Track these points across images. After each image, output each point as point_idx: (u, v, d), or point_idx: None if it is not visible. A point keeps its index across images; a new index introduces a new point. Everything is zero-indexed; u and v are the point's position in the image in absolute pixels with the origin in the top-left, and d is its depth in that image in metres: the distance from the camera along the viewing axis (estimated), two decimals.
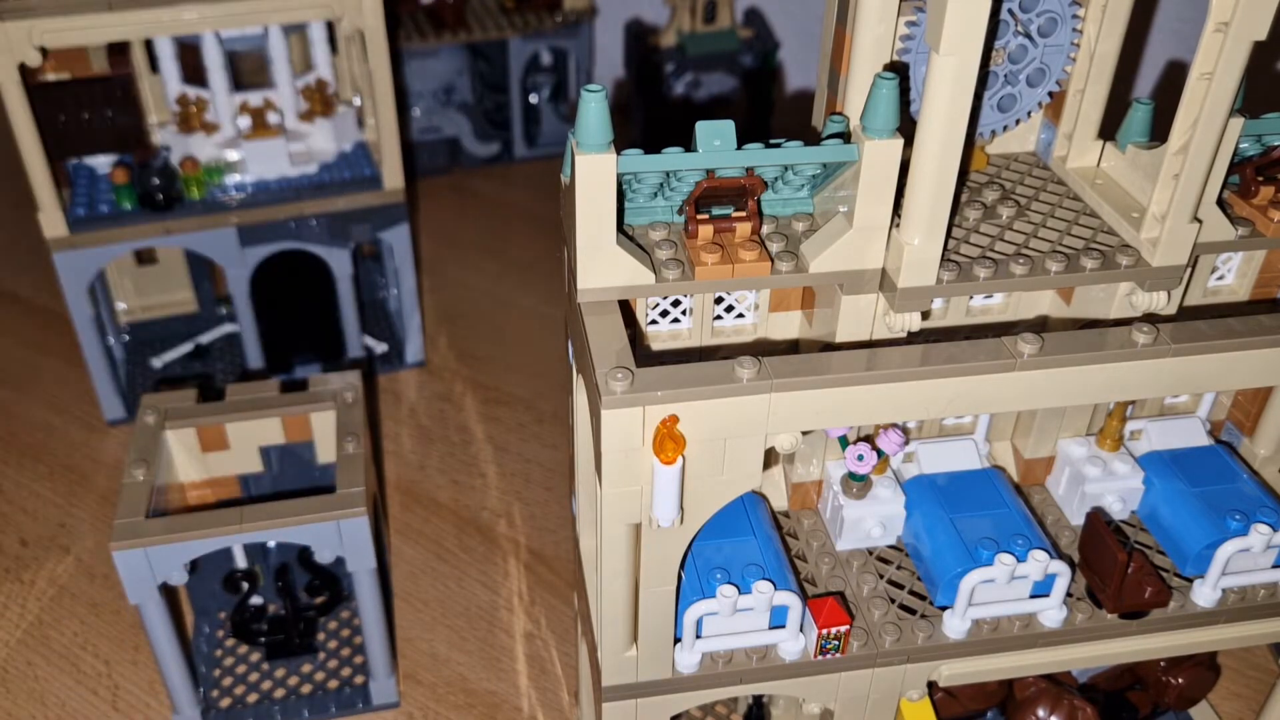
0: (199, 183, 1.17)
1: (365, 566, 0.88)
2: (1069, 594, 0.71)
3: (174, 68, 1.17)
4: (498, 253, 1.63)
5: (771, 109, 1.77)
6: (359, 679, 0.98)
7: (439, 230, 1.67)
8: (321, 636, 1.02)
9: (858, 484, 0.72)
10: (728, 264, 0.62)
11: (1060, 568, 0.68)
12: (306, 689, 0.97)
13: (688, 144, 0.60)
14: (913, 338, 0.65)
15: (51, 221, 1.13)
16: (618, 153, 0.57)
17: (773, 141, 0.60)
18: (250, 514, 0.84)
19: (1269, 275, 0.77)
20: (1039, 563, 0.67)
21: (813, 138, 0.65)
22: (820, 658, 0.68)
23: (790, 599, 0.66)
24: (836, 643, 0.67)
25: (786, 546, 0.73)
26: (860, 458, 0.69)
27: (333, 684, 0.98)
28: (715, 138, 0.59)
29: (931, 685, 0.72)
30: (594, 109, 0.55)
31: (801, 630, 0.68)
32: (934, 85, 0.56)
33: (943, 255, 0.62)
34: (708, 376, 0.56)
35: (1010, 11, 0.65)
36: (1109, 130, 0.71)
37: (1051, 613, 0.70)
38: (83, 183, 1.19)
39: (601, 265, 0.61)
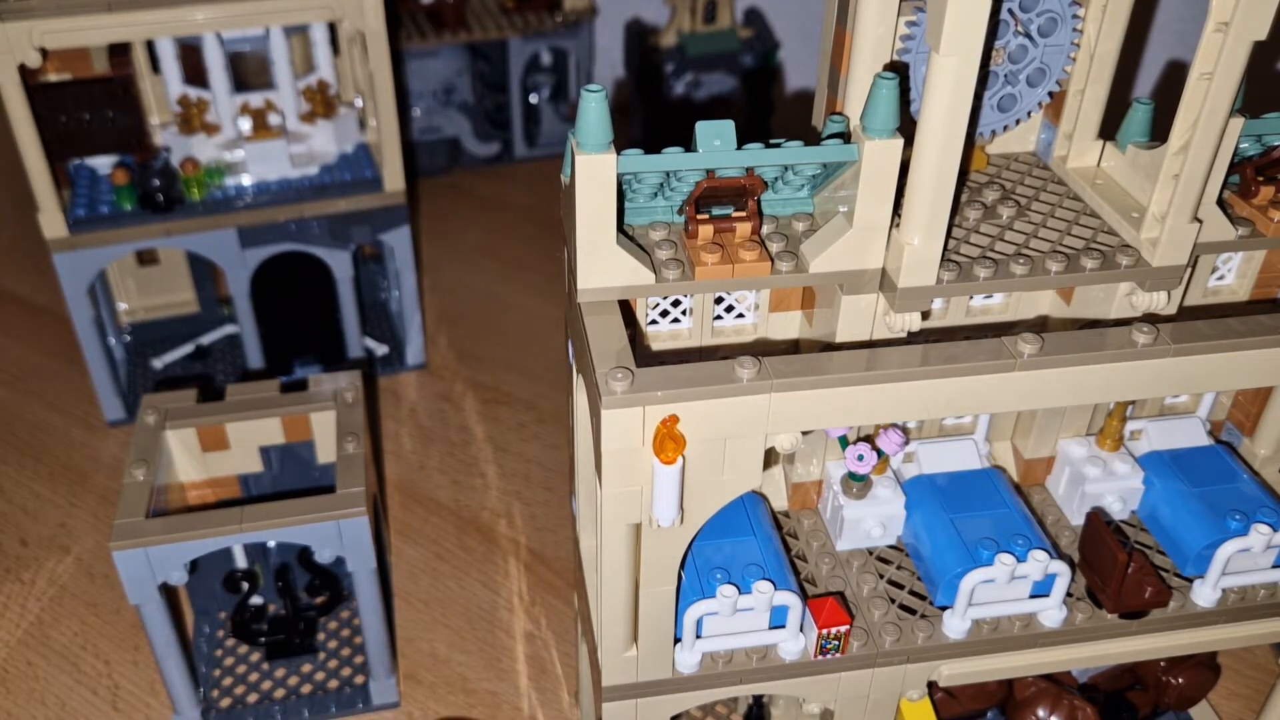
0: (200, 184, 1.17)
1: (365, 566, 0.88)
2: (1069, 594, 0.71)
3: (175, 68, 1.17)
4: (498, 253, 1.63)
5: (771, 109, 1.77)
6: (359, 679, 0.98)
7: (439, 231, 1.67)
8: (321, 636, 1.02)
9: (858, 484, 0.72)
10: (728, 264, 0.62)
11: (1060, 568, 0.68)
12: (306, 689, 0.97)
13: (688, 144, 0.60)
14: (913, 338, 0.65)
15: (52, 222, 1.13)
16: (618, 153, 0.57)
17: (773, 141, 0.60)
18: (250, 514, 0.84)
19: (1269, 275, 0.77)
20: (1039, 563, 0.67)
21: (813, 138, 0.65)
22: (820, 658, 0.68)
23: (790, 599, 0.66)
24: (836, 643, 0.67)
25: (786, 546, 0.73)
26: (860, 458, 0.69)
27: (333, 684, 0.98)
28: (715, 138, 0.59)
29: (931, 685, 0.72)
30: (594, 109, 0.55)
31: (801, 630, 0.68)
32: (934, 85, 0.56)
33: (943, 255, 0.62)
34: (708, 376, 0.56)
35: (1010, 11, 0.65)
36: (1109, 130, 0.71)
37: (1051, 613, 0.70)
38: (83, 183, 1.19)
39: (601, 265, 0.60)
